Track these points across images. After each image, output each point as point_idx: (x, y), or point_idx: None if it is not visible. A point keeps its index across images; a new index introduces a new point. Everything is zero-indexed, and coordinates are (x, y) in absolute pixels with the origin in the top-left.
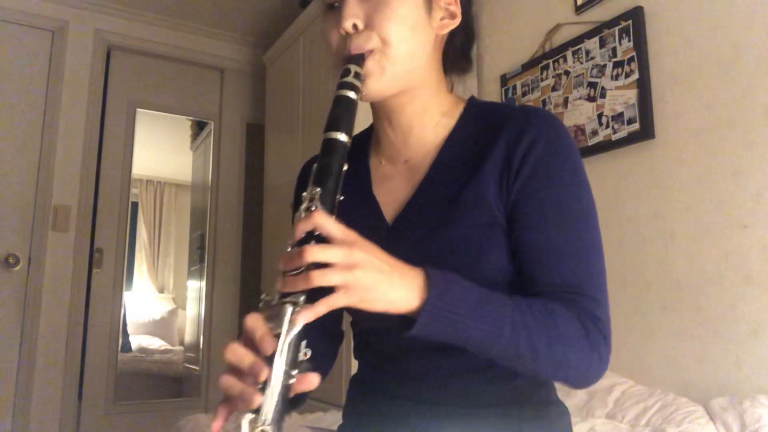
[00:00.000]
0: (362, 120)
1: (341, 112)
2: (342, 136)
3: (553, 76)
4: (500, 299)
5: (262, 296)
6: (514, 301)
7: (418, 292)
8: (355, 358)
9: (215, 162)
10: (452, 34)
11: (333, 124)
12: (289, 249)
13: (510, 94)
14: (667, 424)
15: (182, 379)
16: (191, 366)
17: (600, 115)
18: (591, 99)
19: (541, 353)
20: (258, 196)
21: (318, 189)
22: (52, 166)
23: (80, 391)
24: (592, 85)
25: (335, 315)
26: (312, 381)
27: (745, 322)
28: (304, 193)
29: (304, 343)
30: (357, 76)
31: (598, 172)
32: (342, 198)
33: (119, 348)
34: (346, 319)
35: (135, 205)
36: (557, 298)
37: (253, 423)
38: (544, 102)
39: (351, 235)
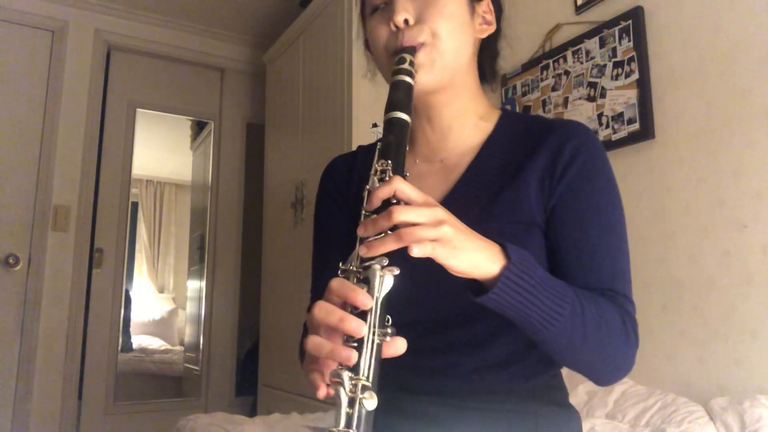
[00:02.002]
0: (366, 132)
1: (401, 94)
2: (404, 116)
3: (553, 76)
4: (562, 282)
5: (341, 265)
6: (572, 287)
7: (497, 258)
8: None
9: (215, 162)
10: (485, 44)
11: (395, 105)
12: (363, 217)
13: (510, 94)
14: (667, 424)
15: (182, 379)
16: (191, 366)
17: (600, 115)
18: (591, 99)
19: (590, 340)
20: (258, 196)
21: (389, 161)
22: (52, 166)
23: (80, 391)
24: (592, 85)
25: None
26: (400, 346)
27: (745, 322)
28: (376, 165)
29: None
30: (411, 64)
31: None
32: (407, 174)
33: (119, 348)
34: None
35: (135, 205)
36: (598, 294)
37: (353, 379)
38: (544, 102)
39: (429, 198)
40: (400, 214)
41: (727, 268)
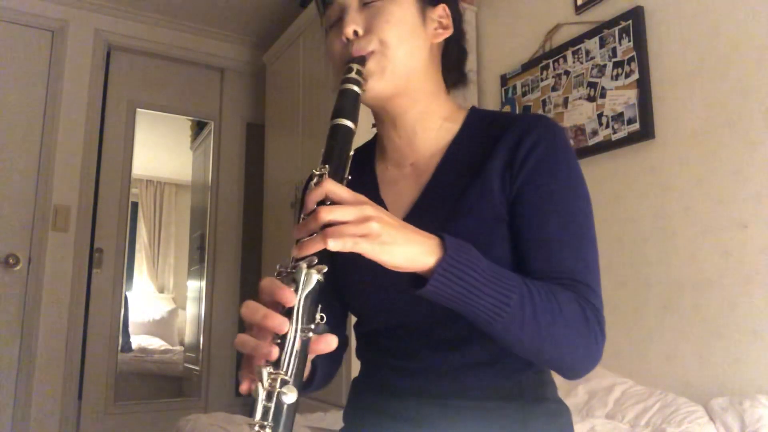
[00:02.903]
0: (364, 134)
1: (346, 102)
2: (347, 122)
3: (553, 76)
4: (509, 273)
5: (278, 266)
6: (522, 277)
7: (434, 250)
8: (357, 357)
9: (215, 162)
10: (447, 48)
11: (338, 112)
12: (300, 221)
13: (510, 94)
14: (667, 424)
15: (182, 379)
16: (191, 366)
17: (600, 115)
18: (591, 99)
19: (544, 331)
20: (258, 196)
21: (326, 166)
22: (52, 166)
23: (80, 391)
24: (592, 85)
25: (340, 321)
26: (330, 342)
27: (745, 321)
28: (314, 170)
29: (319, 307)
30: (359, 73)
31: (598, 172)
32: (350, 177)
33: (119, 348)
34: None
35: (135, 205)
36: (557, 285)
37: (272, 374)
38: (544, 102)
39: (361, 197)
40: (326, 214)
41: (727, 268)
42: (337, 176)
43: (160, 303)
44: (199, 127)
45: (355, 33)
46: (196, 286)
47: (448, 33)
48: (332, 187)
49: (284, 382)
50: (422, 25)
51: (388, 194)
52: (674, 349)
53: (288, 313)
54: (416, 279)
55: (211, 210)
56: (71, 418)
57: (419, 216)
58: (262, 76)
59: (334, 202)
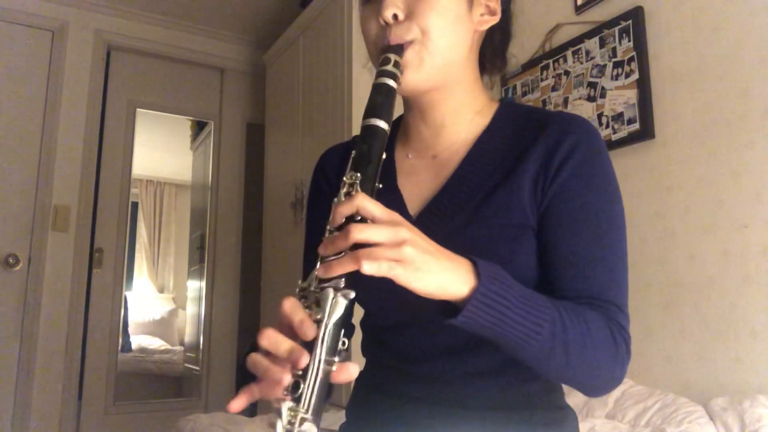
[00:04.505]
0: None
1: (382, 99)
2: (382, 123)
3: (553, 76)
4: (541, 297)
5: (299, 283)
6: (553, 301)
7: (467, 278)
8: (363, 355)
9: (215, 162)
10: (490, 33)
11: (373, 111)
12: (327, 235)
13: (510, 94)
14: (667, 424)
15: (182, 379)
16: (191, 366)
17: (600, 115)
18: (591, 99)
19: (573, 356)
20: (258, 196)
21: (358, 174)
22: (52, 166)
23: (80, 391)
24: (592, 85)
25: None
26: (351, 371)
27: (745, 322)
28: (344, 178)
29: (342, 332)
30: (396, 65)
31: None
32: (380, 186)
33: (119, 348)
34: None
35: (135, 205)
36: (584, 304)
37: (292, 411)
38: (544, 102)
39: (395, 215)
40: (358, 233)
41: (727, 268)
42: (367, 185)
43: (160, 303)
44: (199, 127)
45: (395, 17)
46: (196, 286)
47: (495, 20)
48: (365, 203)
49: (303, 420)
50: (468, 11)
51: (406, 185)
52: (674, 349)
53: (310, 342)
54: (446, 306)
55: (211, 210)
56: (71, 418)
57: (437, 212)
58: (262, 76)
59: (364, 218)
